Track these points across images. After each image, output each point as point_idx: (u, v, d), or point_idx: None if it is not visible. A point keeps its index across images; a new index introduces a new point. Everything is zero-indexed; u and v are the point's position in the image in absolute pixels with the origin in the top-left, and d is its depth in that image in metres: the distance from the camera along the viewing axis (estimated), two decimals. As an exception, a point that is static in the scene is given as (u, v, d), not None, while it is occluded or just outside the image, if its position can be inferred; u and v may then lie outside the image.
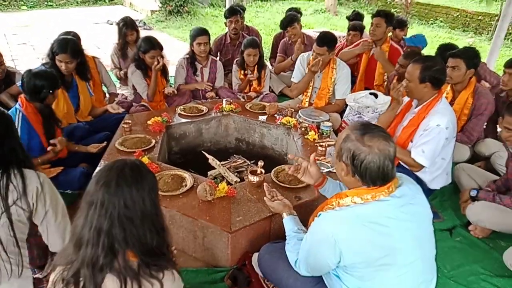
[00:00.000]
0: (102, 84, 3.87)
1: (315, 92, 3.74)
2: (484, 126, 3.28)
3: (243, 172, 2.89)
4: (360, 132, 1.41)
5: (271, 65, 5.19)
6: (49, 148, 2.53)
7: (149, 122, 3.01)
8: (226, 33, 4.87)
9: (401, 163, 2.57)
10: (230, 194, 2.19)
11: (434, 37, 8.98)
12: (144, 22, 9.36)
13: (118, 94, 4.11)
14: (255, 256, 1.99)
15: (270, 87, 4.41)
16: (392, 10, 7.68)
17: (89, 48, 4.33)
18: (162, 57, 3.53)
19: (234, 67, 4.20)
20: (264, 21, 10.13)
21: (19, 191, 1.51)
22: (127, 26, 4.20)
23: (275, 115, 3.30)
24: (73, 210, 1.39)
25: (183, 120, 3.24)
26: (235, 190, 2.23)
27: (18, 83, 2.86)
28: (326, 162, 2.53)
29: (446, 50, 3.31)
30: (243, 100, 3.96)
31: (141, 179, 1.22)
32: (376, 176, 1.38)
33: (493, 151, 3.11)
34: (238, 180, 2.58)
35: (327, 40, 3.46)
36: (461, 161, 3.10)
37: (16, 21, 9.17)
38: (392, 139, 1.43)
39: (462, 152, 3.15)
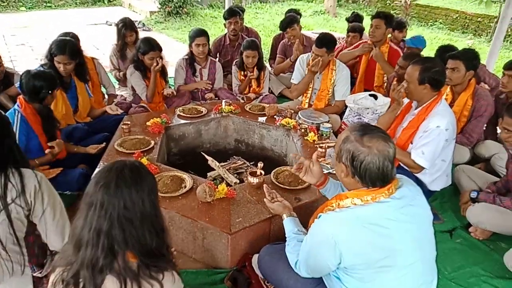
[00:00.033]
0: (101, 85, 3.87)
1: (315, 93, 3.74)
2: (484, 128, 3.28)
3: (243, 173, 2.88)
4: (360, 133, 1.41)
5: (271, 66, 5.19)
6: (47, 151, 2.53)
7: (148, 123, 3.01)
8: (225, 34, 4.87)
9: (401, 164, 2.57)
10: (230, 196, 2.18)
11: (433, 39, 8.99)
12: (143, 23, 9.36)
13: (117, 95, 4.11)
14: (255, 258, 1.99)
15: (269, 88, 4.41)
16: (392, 12, 7.68)
17: (88, 49, 4.32)
18: (161, 58, 3.53)
19: (234, 68, 4.19)
20: (264, 23, 10.13)
21: (17, 190, 1.52)
22: (126, 27, 4.20)
23: (275, 116, 3.29)
24: (72, 212, 1.39)
25: (182, 121, 3.23)
26: (235, 192, 2.22)
27: (17, 84, 2.86)
28: (326, 164, 2.53)
29: (446, 51, 3.31)
30: (243, 101, 3.96)
31: (141, 180, 1.22)
32: (376, 177, 1.38)
33: (493, 152, 3.11)
34: (238, 181, 2.57)
35: (326, 41, 3.46)
36: (461, 163, 3.10)
37: (15, 22, 9.16)
38: (391, 140, 1.43)
39: (462, 154, 3.15)
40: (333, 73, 3.61)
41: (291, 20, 4.65)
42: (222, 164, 2.90)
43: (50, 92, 2.55)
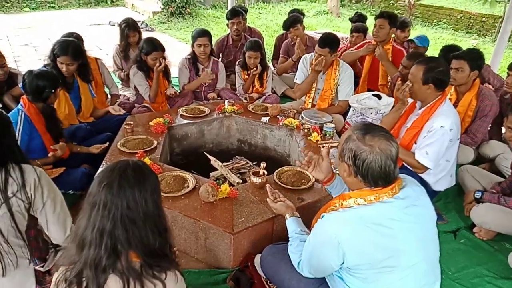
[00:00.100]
0: (104, 86, 3.87)
1: (318, 93, 3.73)
2: (489, 128, 3.26)
3: (246, 173, 2.88)
4: (362, 132, 1.41)
5: (274, 66, 5.18)
6: (50, 154, 2.55)
7: (151, 123, 3.01)
8: (228, 35, 4.87)
9: (405, 164, 2.56)
10: (232, 195, 2.17)
11: (437, 39, 8.96)
12: (146, 24, 9.37)
13: (120, 95, 4.11)
14: (257, 258, 1.98)
15: (272, 88, 4.40)
16: (395, 12, 7.66)
17: (91, 49, 4.34)
18: (164, 58, 3.53)
19: (237, 68, 4.19)
20: (267, 23, 10.13)
21: (18, 184, 1.56)
22: (129, 27, 4.21)
23: (278, 116, 3.29)
24: (75, 211, 1.40)
25: (185, 121, 3.23)
26: (237, 191, 2.22)
27: (21, 85, 2.87)
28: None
29: (450, 51, 3.29)
30: (245, 101, 3.95)
31: (144, 180, 1.23)
32: (378, 176, 1.38)
33: (497, 153, 3.10)
34: (241, 181, 2.57)
35: (329, 41, 3.45)
36: (466, 163, 3.09)
37: (19, 23, 9.20)
38: (394, 139, 1.42)
39: (467, 154, 3.14)
40: (337, 73, 3.60)
41: (294, 20, 4.64)
42: (225, 164, 2.90)
43: (53, 91, 2.57)
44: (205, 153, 2.88)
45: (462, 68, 2.93)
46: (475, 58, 2.97)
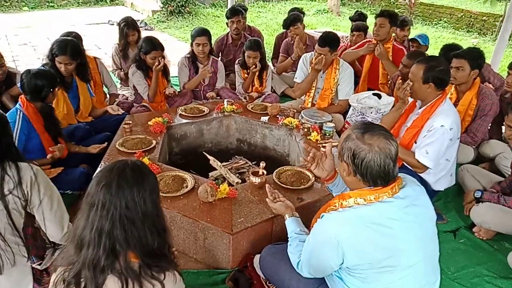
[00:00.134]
0: (103, 85, 3.86)
1: (318, 92, 3.72)
2: (489, 127, 3.26)
3: (245, 173, 2.87)
4: (361, 131, 1.40)
5: (273, 65, 5.17)
6: (48, 156, 2.54)
7: (149, 122, 3.00)
8: (228, 34, 4.85)
9: (405, 164, 2.55)
10: (232, 195, 2.17)
11: (438, 38, 8.96)
12: (145, 23, 9.36)
13: (119, 94, 4.10)
14: (256, 258, 1.98)
15: (272, 87, 4.39)
16: (396, 11, 7.64)
17: (90, 48, 4.33)
18: (163, 57, 3.52)
19: (237, 67, 4.18)
20: (266, 21, 10.12)
21: (14, 181, 1.58)
22: (129, 26, 4.20)
23: (277, 116, 3.28)
24: (73, 211, 1.39)
25: (184, 121, 3.22)
26: (237, 191, 2.21)
27: (19, 84, 2.87)
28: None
29: (450, 50, 3.29)
30: (245, 100, 3.94)
31: (142, 180, 1.23)
32: (377, 175, 1.37)
33: (497, 152, 3.09)
34: (240, 181, 2.56)
35: (329, 40, 3.44)
36: (465, 162, 3.08)
37: (18, 22, 9.19)
38: (393, 138, 1.41)
39: (466, 153, 3.14)
40: (337, 72, 3.59)
41: (294, 18, 4.63)
42: (224, 163, 2.89)
43: (51, 90, 2.57)
44: (204, 153, 2.87)
45: (463, 67, 2.92)
46: (475, 57, 2.97)
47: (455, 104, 2.97)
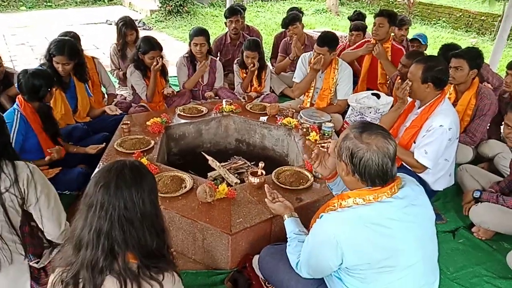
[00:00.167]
0: (101, 85, 3.85)
1: (317, 92, 3.72)
2: (488, 127, 3.26)
3: (244, 173, 2.87)
4: (359, 131, 1.40)
5: (272, 65, 5.16)
6: (47, 158, 2.54)
7: (148, 123, 2.99)
8: (226, 33, 4.85)
9: (404, 164, 2.55)
10: (230, 196, 2.16)
11: (436, 37, 8.97)
12: (143, 22, 9.35)
13: (117, 95, 4.09)
14: (255, 258, 1.97)
15: (271, 87, 4.39)
16: (395, 10, 7.64)
17: (88, 48, 4.31)
18: (162, 57, 3.51)
19: (235, 67, 4.17)
20: (265, 21, 10.12)
21: (11, 179, 1.58)
22: (127, 26, 4.19)
23: (276, 116, 3.27)
24: (71, 212, 1.38)
25: (183, 121, 3.21)
26: (235, 192, 2.21)
27: (16, 84, 2.86)
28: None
29: (449, 50, 3.29)
30: (244, 100, 3.94)
31: (141, 180, 1.22)
32: (375, 174, 1.37)
33: (496, 152, 3.09)
34: (238, 181, 2.56)
35: (327, 40, 3.44)
36: (464, 162, 3.08)
37: (15, 22, 9.16)
38: (392, 137, 1.41)
39: (465, 153, 3.14)
40: (336, 72, 3.59)
41: (293, 18, 4.62)
42: (223, 164, 2.89)
43: (49, 89, 2.56)
44: (203, 153, 2.86)
45: (461, 67, 2.92)
46: (474, 56, 2.97)
47: (454, 104, 2.96)
